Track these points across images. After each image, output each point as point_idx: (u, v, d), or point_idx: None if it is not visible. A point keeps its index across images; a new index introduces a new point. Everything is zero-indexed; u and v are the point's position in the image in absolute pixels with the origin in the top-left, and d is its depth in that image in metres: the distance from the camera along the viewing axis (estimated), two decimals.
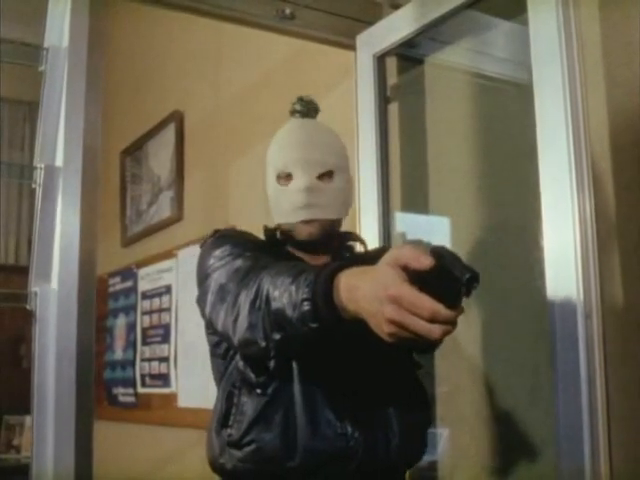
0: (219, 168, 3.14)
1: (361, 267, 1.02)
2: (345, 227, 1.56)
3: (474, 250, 1.98)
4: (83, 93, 1.68)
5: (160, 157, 3.60)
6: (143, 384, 3.53)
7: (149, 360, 3.48)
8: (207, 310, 1.34)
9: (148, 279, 3.55)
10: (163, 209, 3.53)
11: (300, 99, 1.55)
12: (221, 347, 1.43)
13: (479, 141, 2.03)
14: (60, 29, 1.73)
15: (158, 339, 3.41)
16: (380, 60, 2.09)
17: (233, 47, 3.07)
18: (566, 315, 1.47)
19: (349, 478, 1.34)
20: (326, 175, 1.46)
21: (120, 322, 3.82)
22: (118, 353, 3.81)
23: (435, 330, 0.88)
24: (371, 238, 1.98)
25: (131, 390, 3.63)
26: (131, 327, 3.68)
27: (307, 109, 1.54)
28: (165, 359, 3.32)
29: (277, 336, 1.14)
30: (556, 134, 1.52)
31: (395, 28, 2.04)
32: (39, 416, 1.54)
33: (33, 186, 1.68)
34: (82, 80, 1.68)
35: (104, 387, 3.92)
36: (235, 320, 1.21)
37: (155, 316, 3.46)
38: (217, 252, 1.38)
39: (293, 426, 1.33)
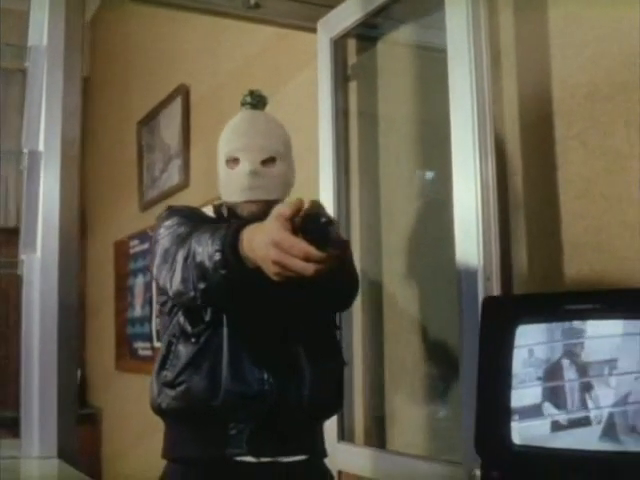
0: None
1: (259, 223, 1.25)
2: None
3: (424, 217, 2.18)
4: (61, 86, 1.90)
5: (170, 127, 3.86)
6: (158, 338, 3.84)
7: None
8: (154, 271, 1.58)
9: None
10: (173, 176, 3.79)
11: (251, 92, 1.75)
12: (167, 305, 1.68)
13: (429, 112, 2.20)
14: (41, 29, 1.96)
15: None
16: (337, 44, 2.28)
17: (230, 25, 3.27)
18: (469, 277, 1.67)
19: (264, 419, 1.58)
20: (269, 161, 1.66)
21: (139, 281, 4.13)
22: (137, 310, 4.12)
23: (309, 268, 1.10)
24: (330, 211, 2.20)
25: (148, 344, 3.94)
26: (148, 286, 3.99)
27: (256, 102, 1.75)
28: None
29: (202, 285, 1.40)
30: (464, 113, 1.71)
31: (350, 13, 2.22)
32: (26, 369, 1.82)
33: (21, 168, 1.95)
34: (60, 75, 1.90)
35: (127, 342, 4.25)
36: (172, 276, 1.46)
37: None
38: (167, 223, 1.61)
39: (219, 370, 1.57)
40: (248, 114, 1.73)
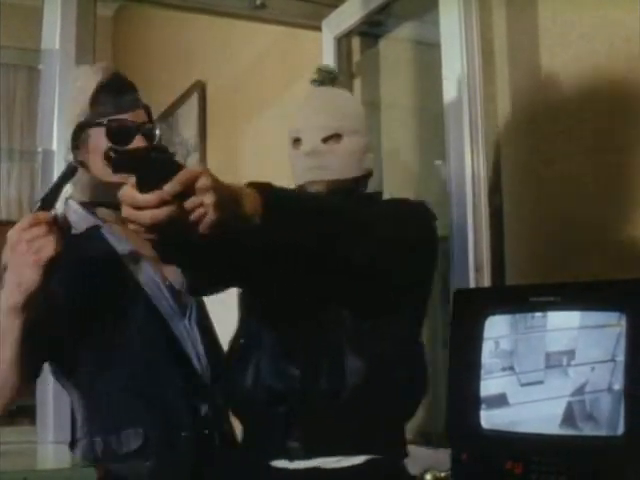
0: (236, 132, 3.45)
1: None
2: None
3: None
4: None
5: (188, 123, 3.95)
6: None
7: None
8: None
9: None
10: None
11: (319, 68, 1.65)
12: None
13: (432, 106, 2.25)
14: (54, 33, 2.04)
15: None
16: (340, 42, 2.34)
17: (243, 22, 3.33)
18: (460, 268, 1.74)
19: (294, 418, 1.45)
20: (332, 138, 1.52)
21: None
22: None
23: (142, 215, 1.00)
24: None
25: None
26: None
27: (323, 78, 1.63)
28: None
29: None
30: (457, 107, 1.80)
31: (352, 12, 2.28)
32: None
33: (36, 166, 2.04)
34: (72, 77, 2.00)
35: None
36: None
37: None
38: None
39: (259, 367, 1.48)
40: (313, 91, 1.62)
